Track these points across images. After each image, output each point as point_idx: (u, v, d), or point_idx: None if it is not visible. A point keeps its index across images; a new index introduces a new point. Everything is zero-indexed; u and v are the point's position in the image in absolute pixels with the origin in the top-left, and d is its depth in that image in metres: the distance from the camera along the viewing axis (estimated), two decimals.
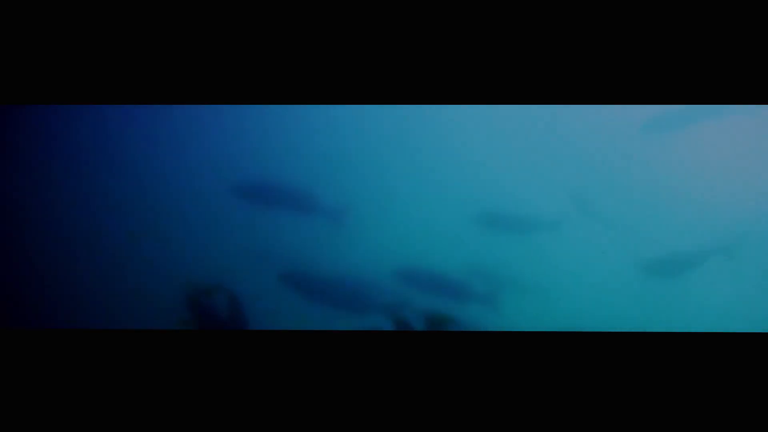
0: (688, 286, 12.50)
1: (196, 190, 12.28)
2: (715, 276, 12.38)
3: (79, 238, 10.64)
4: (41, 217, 10.68)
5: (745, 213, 15.34)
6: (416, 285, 9.86)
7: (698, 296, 12.93)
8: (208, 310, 5.36)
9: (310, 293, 8.63)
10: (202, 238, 11.50)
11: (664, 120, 13.28)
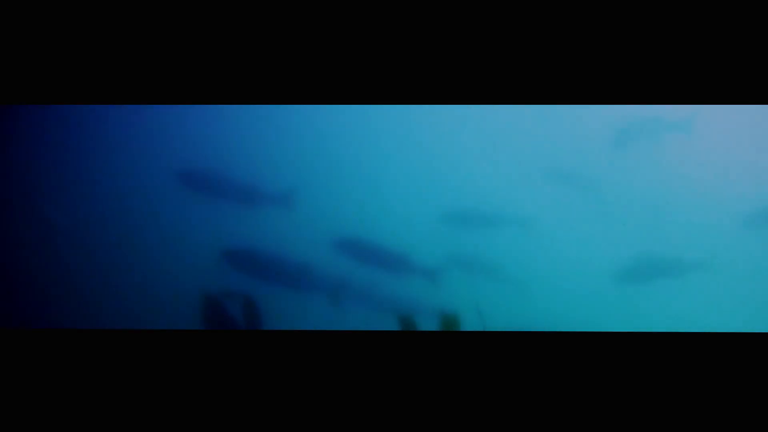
0: (641, 293, 12.68)
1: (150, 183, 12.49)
2: (684, 286, 12.46)
3: (68, 237, 10.68)
4: (39, 216, 10.70)
5: (727, 222, 15.47)
6: (355, 255, 9.84)
7: (653, 302, 13.13)
8: (224, 314, 5.35)
9: (253, 270, 8.66)
10: (149, 227, 11.62)
11: (645, 124, 13.37)
